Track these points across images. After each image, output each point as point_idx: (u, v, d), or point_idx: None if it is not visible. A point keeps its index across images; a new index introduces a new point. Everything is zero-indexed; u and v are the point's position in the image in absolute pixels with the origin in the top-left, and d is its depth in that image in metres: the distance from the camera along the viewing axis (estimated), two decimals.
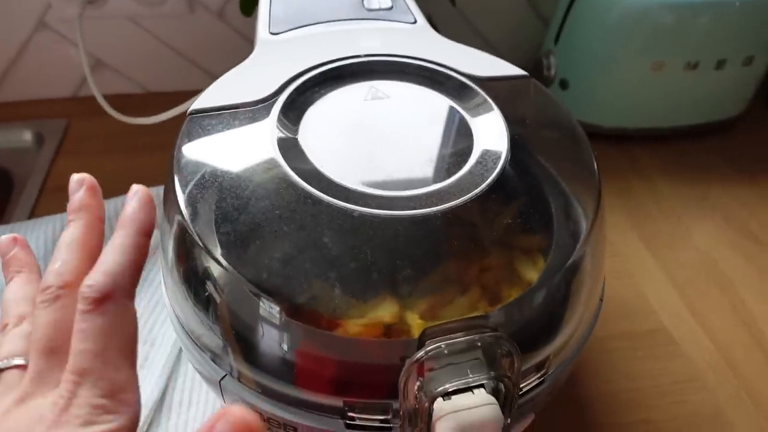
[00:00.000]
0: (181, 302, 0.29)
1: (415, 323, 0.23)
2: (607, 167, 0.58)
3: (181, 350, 0.39)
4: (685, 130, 0.61)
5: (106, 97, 0.54)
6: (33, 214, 0.51)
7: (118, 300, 0.21)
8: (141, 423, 0.35)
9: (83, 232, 0.24)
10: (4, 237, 0.26)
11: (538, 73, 0.61)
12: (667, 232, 0.52)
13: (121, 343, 0.21)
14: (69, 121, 0.61)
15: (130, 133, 0.58)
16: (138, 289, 0.43)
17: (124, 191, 0.48)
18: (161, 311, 0.42)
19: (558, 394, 0.37)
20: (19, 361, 0.22)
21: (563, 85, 0.60)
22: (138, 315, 0.41)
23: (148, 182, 0.49)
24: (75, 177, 0.26)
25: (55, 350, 0.21)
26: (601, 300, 0.32)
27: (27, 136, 0.59)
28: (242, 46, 0.63)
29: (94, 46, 0.60)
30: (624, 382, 0.40)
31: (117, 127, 0.57)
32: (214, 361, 0.28)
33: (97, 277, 0.21)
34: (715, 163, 0.59)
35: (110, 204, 0.48)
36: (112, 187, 0.49)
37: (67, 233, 0.24)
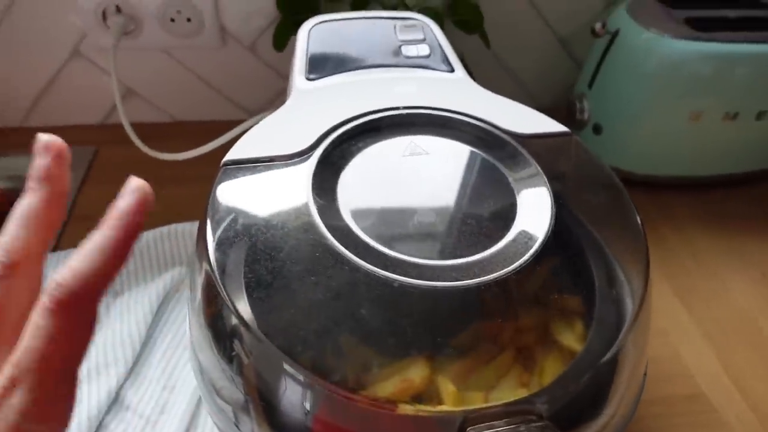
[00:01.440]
0: (206, 351, 0.28)
1: (448, 410, 0.22)
2: (642, 216, 0.56)
3: (198, 402, 0.38)
4: (724, 180, 0.59)
5: (134, 125, 0.54)
6: (59, 243, 0.50)
7: (83, 306, 0.19)
8: None
9: (42, 206, 0.21)
10: (41, 137, 0.23)
11: (571, 116, 0.60)
12: (702, 286, 0.50)
13: (72, 351, 0.19)
14: (97, 149, 0.61)
15: (158, 164, 0.57)
16: (161, 327, 0.43)
17: (150, 225, 0.48)
18: (182, 354, 0.41)
19: None
20: None
21: (596, 130, 0.58)
22: (159, 356, 0.41)
23: (175, 216, 0.49)
24: (42, 138, 0.23)
25: None
26: (645, 375, 0.31)
27: None
28: (272, 79, 0.63)
29: (126, 75, 0.60)
30: None
31: (143, 156, 0.57)
32: (235, 415, 0.27)
33: (68, 277, 0.18)
34: (754, 215, 0.57)
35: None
36: None
37: (23, 203, 0.21)
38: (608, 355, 0.25)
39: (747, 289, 0.50)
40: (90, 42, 0.57)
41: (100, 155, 0.60)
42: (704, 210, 0.57)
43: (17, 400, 0.18)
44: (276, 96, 0.64)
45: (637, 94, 0.54)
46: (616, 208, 0.31)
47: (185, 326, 0.43)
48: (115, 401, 0.38)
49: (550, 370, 0.24)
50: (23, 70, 0.59)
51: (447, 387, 0.23)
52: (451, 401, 0.23)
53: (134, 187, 0.21)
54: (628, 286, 0.27)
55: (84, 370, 0.39)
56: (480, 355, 0.23)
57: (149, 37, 0.57)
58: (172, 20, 0.56)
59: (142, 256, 0.47)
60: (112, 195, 0.61)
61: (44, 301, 0.18)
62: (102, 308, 0.43)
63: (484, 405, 0.22)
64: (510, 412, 0.23)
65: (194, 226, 0.48)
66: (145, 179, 0.60)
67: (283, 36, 0.54)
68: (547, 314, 0.25)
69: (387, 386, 0.23)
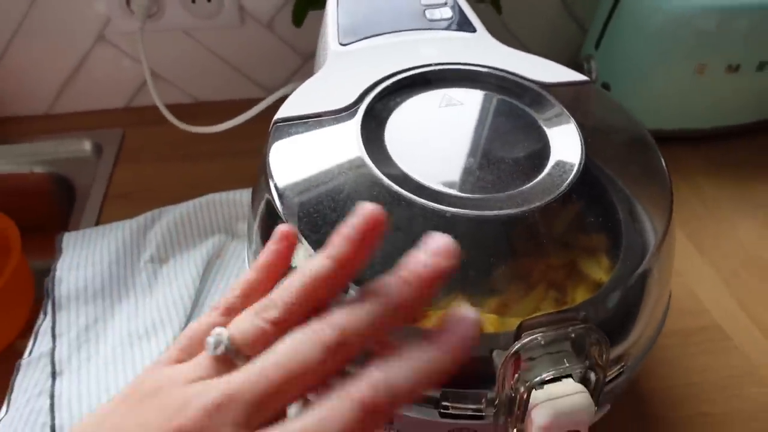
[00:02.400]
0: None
1: (510, 319, 0.25)
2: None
3: None
4: (728, 131, 0.61)
5: (158, 107, 0.56)
6: (99, 221, 0.53)
7: (382, 419, 0.18)
8: None
9: (337, 278, 0.21)
10: (279, 228, 0.23)
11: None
12: (713, 230, 0.53)
13: None
14: (124, 131, 0.63)
15: (185, 142, 0.60)
16: (207, 288, 0.45)
17: (184, 198, 0.51)
18: None
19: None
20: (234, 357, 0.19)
21: (605, 88, 0.61)
22: None
23: (208, 188, 0.51)
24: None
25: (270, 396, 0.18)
26: (669, 297, 0.33)
27: (86, 146, 0.62)
28: (290, 56, 0.65)
29: (149, 58, 0.62)
30: (680, 377, 0.41)
31: (171, 136, 0.60)
32: None
33: (393, 384, 0.17)
34: (759, 162, 0.60)
35: (174, 210, 0.50)
36: (171, 194, 0.52)
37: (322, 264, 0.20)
38: (637, 273, 0.27)
39: (755, 229, 0.53)
40: (114, 27, 0.59)
41: (127, 137, 0.63)
42: (712, 160, 0.60)
43: None
44: (293, 74, 0.66)
45: (643, 52, 0.56)
46: (640, 149, 0.33)
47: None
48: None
49: (581, 297, 0.27)
50: (49, 58, 0.61)
51: (488, 318, 0.26)
52: (493, 328, 0.25)
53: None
54: (656, 214, 0.30)
55: (141, 329, 0.42)
56: (514, 291, 0.26)
57: (171, 19, 0.59)
58: (193, 1, 0.58)
59: (184, 226, 0.49)
60: (142, 174, 0.64)
61: (360, 394, 0.17)
62: (150, 274, 0.46)
63: (538, 313, 0.25)
64: (558, 320, 0.25)
65: (230, 195, 0.50)
66: (175, 157, 0.63)
67: (302, 12, 0.57)
68: (576, 251, 0.28)
69: (431, 320, 0.25)
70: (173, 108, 0.57)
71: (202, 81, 0.66)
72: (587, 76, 0.61)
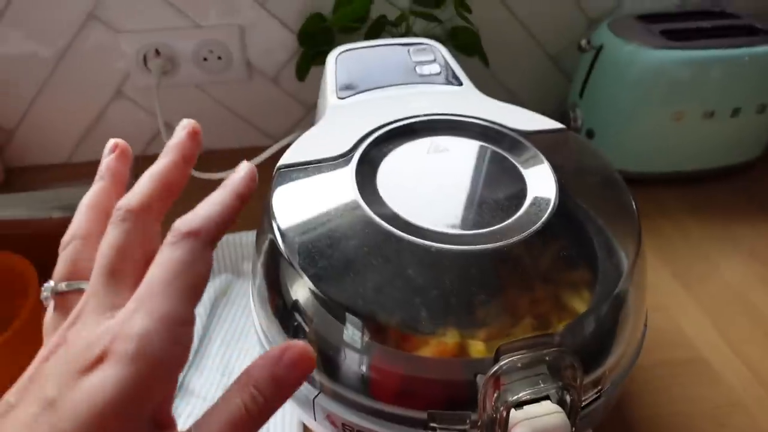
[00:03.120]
0: (273, 330, 0.33)
1: (479, 343, 0.27)
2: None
3: None
4: (708, 174, 0.65)
5: None
6: None
7: (201, 240, 0.21)
8: None
9: (167, 168, 0.25)
10: (111, 141, 0.27)
11: (566, 125, 0.66)
12: (697, 268, 0.55)
13: (190, 280, 0.20)
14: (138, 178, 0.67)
15: (196, 189, 0.63)
16: (215, 324, 0.48)
17: None
18: (236, 344, 0.46)
19: (609, 416, 0.40)
20: (84, 286, 0.22)
21: (589, 134, 0.65)
22: (215, 348, 0.46)
23: None
24: (184, 122, 0.27)
25: (115, 273, 0.21)
26: (646, 326, 0.36)
27: None
28: (294, 107, 0.69)
29: (163, 110, 0.67)
30: (667, 406, 0.43)
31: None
32: (307, 381, 0.32)
33: (189, 216, 0.21)
34: (739, 204, 0.63)
35: None
36: None
37: (154, 165, 0.25)
38: (610, 300, 0.30)
39: (737, 267, 0.55)
40: (132, 83, 0.64)
41: None
42: (693, 201, 0.63)
43: (137, 323, 0.19)
44: (296, 123, 0.71)
45: (624, 100, 0.60)
46: (611, 187, 0.36)
47: (236, 323, 0.48)
48: (180, 387, 0.43)
49: (558, 323, 0.29)
50: (71, 111, 0.66)
51: (476, 346, 0.28)
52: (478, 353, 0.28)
53: (243, 166, 0.25)
54: (625, 246, 0.32)
55: None
56: (495, 319, 0.28)
57: (184, 76, 0.64)
58: (205, 59, 0.63)
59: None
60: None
61: (168, 238, 0.21)
62: None
63: (514, 338, 0.27)
64: (534, 345, 0.28)
65: (236, 236, 0.54)
66: (188, 202, 0.66)
67: (305, 67, 0.61)
68: (553, 281, 0.30)
69: (427, 350, 0.28)
70: None
71: (212, 131, 0.70)
72: (573, 123, 0.66)
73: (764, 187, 0.65)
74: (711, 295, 0.52)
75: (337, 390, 0.30)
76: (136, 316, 0.19)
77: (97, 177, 0.26)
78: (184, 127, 0.27)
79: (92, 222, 0.25)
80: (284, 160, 0.37)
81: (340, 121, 0.41)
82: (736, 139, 0.63)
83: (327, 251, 0.30)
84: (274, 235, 0.32)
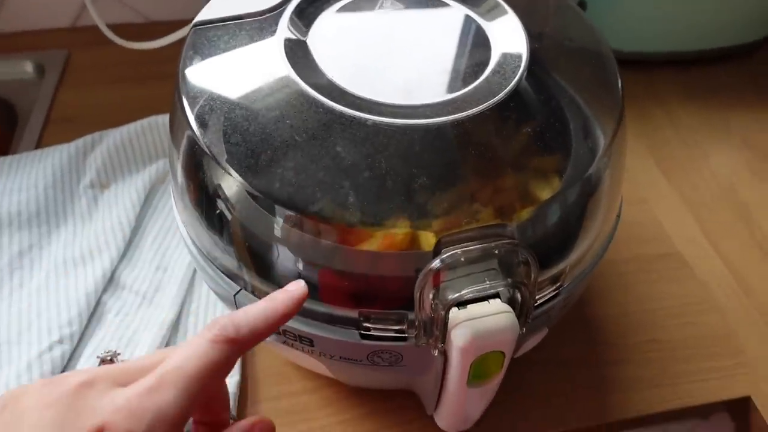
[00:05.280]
0: (194, 223, 0.29)
1: (429, 234, 0.23)
2: (627, 94, 0.56)
3: (194, 275, 0.40)
4: (707, 55, 0.58)
5: (107, 27, 0.52)
6: (39, 145, 0.50)
7: (239, 349, 0.21)
8: (157, 344, 0.36)
9: (275, 318, 0.23)
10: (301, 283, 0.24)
11: None
12: (684, 157, 0.51)
13: (211, 382, 0.20)
14: (69, 52, 0.59)
15: (133, 63, 0.56)
16: (148, 218, 0.43)
17: (129, 120, 0.48)
18: (173, 237, 0.42)
19: (571, 314, 0.37)
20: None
21: (581, 6, 0.57)
22: (150, 240, 0.42)
23: (154, 111, 0.48)
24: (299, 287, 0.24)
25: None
26: (618, 217, 0.32)
27: (28, 67, 0.58)
28: None
29: None
30: (635, 304, 0.40)
31: (119, 56, 0.56)
32: (229, 277, 0.28)
33: (239, 321, 0.21)
34: (739, 88, 0.57)
35: (116, 133, 0.47)
36: (118, 117, 0.49)
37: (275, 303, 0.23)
38: (579, 185, 0.25)
39: (727, 155, 0.51)
40: None
41: (73, 58, 0.59)
42: (689, 85, 0.57)
43: (150, 406, 0.18)
44: None
45: None
46: (592, 56, 0.30)
47: (174, 212, 0.44)
48: (110, 282, 0.39)
49: (526, 204, 0.25)
50: None
51: (428, 239, 0.24)
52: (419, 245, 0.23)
53: (300, 286, 0.23)
54: (602, 125, 0.27)
55: (77, 254, 0.40)
56: (448, 212, 0.24)
57: None
58: None
59: (126, 150, 0.47)
60: (88, 97, 0.60)
61: (210, 334, 0.20)
62: (90, 200, 0.44)
63: (459, 228, 0.23)
64: (484, 236, 0.23)
65: None
66: (122, 78, 0.59)
67: None
68: (517, 168, 0.25)
69: (359, 242, 0.23)
70: (122, 27, 0.53)
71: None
72: None
73: (767, 71, 0.59)
74: (695, 186, 0.48)
75: (258, 286, 0.26)
76: (151, 398, 0.19)
77: (275, 303, 0.23)
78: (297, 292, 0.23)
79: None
80: (201, 15, 0.30)
81: None
82: (745, 15, 0.56)
83: (248, 132, 0.25)
84: (183, 110, 0.26)
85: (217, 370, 0.20)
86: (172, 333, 0.37)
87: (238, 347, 0.20)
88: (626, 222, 0.44)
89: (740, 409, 0.37)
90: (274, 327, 0.22)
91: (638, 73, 0.58)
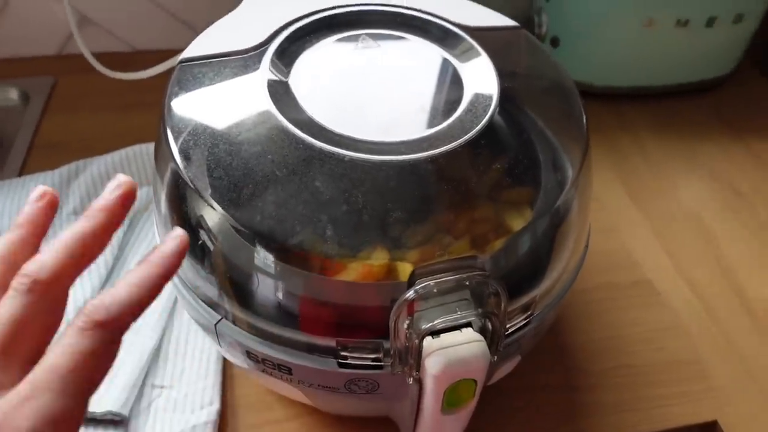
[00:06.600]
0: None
1: (405, 265, 0.24)
2: (598, 125, 0.58)
3: (175, 303, 0.40)
4: (676, 89, 0.61)
5: (93, 55, 0.53)
6: (23, 172, 0.50)
7: (113, 331, 0.19)
8: (138, 372, 0.36)
9: (89, 234, 0.22)
10: (38, 188, 0.23)
11: (530, 31, 0.60)
12: (653, 187, 0.53)
13: (92, 375, 0.19)
14: (56, 79, 0.60)
15: (119, 92, 0.57)
16: (130, 246, 0.44)
17: (114, 148, 0.48)
18: None
19: (542, 342, 0.38)
20: None
21: (554, 42, 0.59)
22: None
23: (138, 140, 0.49)
24: (119, 178, 0.23)
25: (7, 350, 0.19)
26: (587, 247, 0.33)
27: (13, 94, 0.58)
28: (231, 3, 0.61)
29: (80, 1, 0.58)
30: (605, 330, 0.42)
31: (105, 85, 0.57)
32: (210, 306, 0.28)
33: (107, 302, 0.19)
34: (705, 121, 0.60)
35: (100, 161, 0.48)
36: (102, 144, 0.50)
37: (73, 227, 0.21)
38: (548, 217, 0.27)
39: (695, 187, 0.53)
40: None
41: (59, 85, 0.60)
42: (658, 117, 0.60)
43: (26, 415, 0.17)
44: None
45: (592, 4, 0.55)
46: (560, 94, 0.32)
47: (156, 241, 0.44)
48: None
49: (496, 237, 0.26)
50: None
51: (404, 269, 0.25)
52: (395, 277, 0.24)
53: (176, 234, 0.22)
54: (568, 159, 0.29)
55: None
56: (421, 245, 0.25)
57: None
58: None
59: (110, 177, 0.47)
60: (72, 124, 0.60)
61: (79, 322, 0.19)
62: None
63: (432, 260, 0.24)
64: (456, 267, 0.25)
65: None
66: (108, 107, 0.60)
67: None
68: (487, 203, 0.27)
69: (349, 273, 0.24)
70: (108, 56, 0.54)
71: (138, 28, 0.62)
72: (537, 29, 0.60)
73: (733, 104, 0.62)
74: (664, 216, 0.50)
75: (239, 315, 0.27)
76: (26, 407, 0.18)
77: (14, 223, 0.22)
78: (117, 186, 0.23)
79: (70, 260, 0.21)
80: (187, 52, 0.31)
81: (260, 9, 0.35)
82: (709, 52, 0.59)
83: (230, 167, 0.26)
84: (167, 143, 0.27)
85: (95, 360, 0.19)
86: (153, 360, 0.37)
87: (112, 329, 0.19)
88: (597, 250, 0.46)
89: None
90: (154, 293, 0.20)
91: (609, 105, 0.60)
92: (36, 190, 0.23)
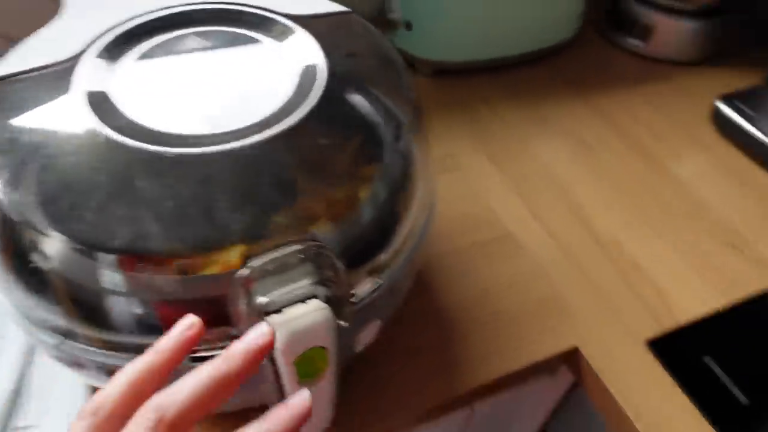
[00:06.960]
0: (12, 288, 0.28)
1: (235, 249, 0.25)
2: (458, 100, 0.61)
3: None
4: (526, 57, 0.66)
5: None
6: None
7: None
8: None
9: (158, 372, 0.23)
10: (189, 317, 0.24)
11: (384, 17, 0.63)
12: (512, 149, 0.57)
13: None
14: None
15: None
16: None
17: None
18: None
19: (416, 306, 0.41)
20: None
21: (408, 26, 0.62)
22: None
23: None
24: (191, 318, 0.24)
25: None
26: (432, 211, 0.35)
27: None
28: (51, 8, 0.59)
29: None
30: (476, 286, 0.45)
31: None
32: (52, 330, 0.28)
33: (179, 405, 0.20)
34: (552, 84, 0.65)
35: None
36: None
37: (145, 360, 0.23)
38: (382, 184, 0.28)
39: (549, 146, 0.58)
40: None
41: None
42: (511, 87, 0.64)
43: None
44: None
45: None
46: (387, 66, 0.34)
47: None
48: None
49: (329, 210, 0.27)
50: None
51: (235, 255, 0.25)
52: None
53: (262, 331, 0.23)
54: (397, 127, 0.31)
55: None
56: (265, 227, 0.25)
57: None
58: None
59: None
60: None
61: (150, 418, 0.19)
62: None
63: (265, 240, 0.25)
64: (288, 242, 0.26)
65: None
66: None
67: None
68: (329, 179, 0.28)
69: (179, 268, 0.25)
70: None
71: None
72: (390, 14, 0.62)
73: (575, 68, 0.67)
74: (522, 174, 0.54)
75: (84, 333, 0.27)
76: None
77: (155, 347, 0.23)
78: (263, 333, 0.24)
79: (125, 403, 0.21)
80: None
81: (77, 18, 0.34)
82: (549, 20, 0.64)
83: (46, 183, 0.25)
84: None
85: None
86: (16, 401, 0.36)
87: None
88: (463, 214, 0.49)
89: (573, 360, 0.42)
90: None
91: (467, 80, 0.64)
92: (188, 317, 0.24)
